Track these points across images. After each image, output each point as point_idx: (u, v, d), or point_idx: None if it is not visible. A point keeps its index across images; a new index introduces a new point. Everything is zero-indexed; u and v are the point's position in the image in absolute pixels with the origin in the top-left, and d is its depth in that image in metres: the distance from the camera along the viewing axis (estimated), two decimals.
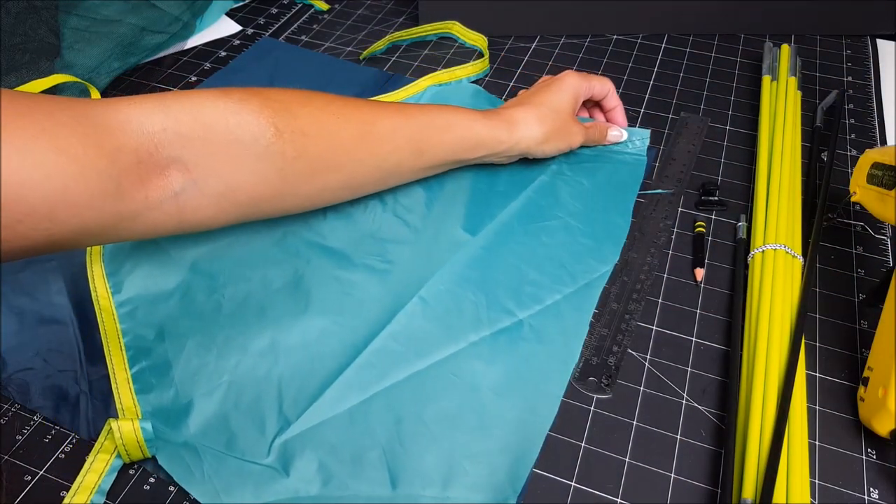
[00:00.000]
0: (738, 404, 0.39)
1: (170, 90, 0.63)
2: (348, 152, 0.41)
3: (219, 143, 0.36)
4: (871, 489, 0.36)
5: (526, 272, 0.45)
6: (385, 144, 0.43)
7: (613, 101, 0.55)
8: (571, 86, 0.51)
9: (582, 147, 0.54)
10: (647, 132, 0.55)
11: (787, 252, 0.45)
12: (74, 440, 0.38)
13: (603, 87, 0.54)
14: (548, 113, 0.49)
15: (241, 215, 0.40)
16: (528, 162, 0.53)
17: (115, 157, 0.33)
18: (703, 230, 0.49)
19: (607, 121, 0.56)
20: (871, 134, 0.58)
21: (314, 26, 0.72)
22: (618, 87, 0.63)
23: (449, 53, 0.67)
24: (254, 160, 0.38)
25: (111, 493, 0.36)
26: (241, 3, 0.75)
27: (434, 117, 0.45)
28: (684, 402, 0.40)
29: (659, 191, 0.52)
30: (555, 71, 0.64)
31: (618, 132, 0.54)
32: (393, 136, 0.43)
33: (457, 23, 0.68)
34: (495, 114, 0.48)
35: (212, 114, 0.36)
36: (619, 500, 0.36)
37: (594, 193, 0.51)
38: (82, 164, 0.31)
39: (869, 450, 0.38)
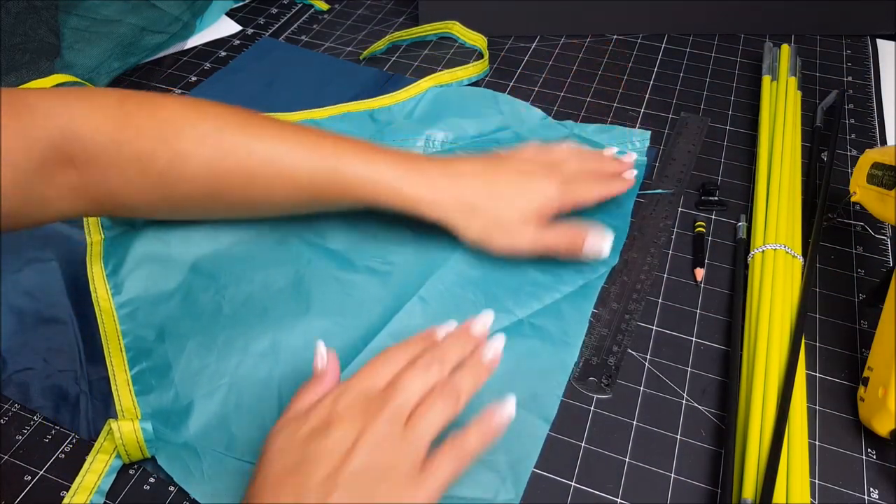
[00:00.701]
0: (738, 404, 0.39)
1: (170, 90, 0.63)
2: (233, 184, 0.40)
3: (105, 152, 0.38)
4: (871, 489, 0.36)
5: (525, 272, 0.45)
6: (279, 188, 0.40)
7: (612, 195, 0.46)
8: (544, 200, 0.42)
9: (571, 142, 0.50)
10: (647, 133, 0.55)
11: (787, 252, 0.45)
12: (74, 440, 0.38)
13: (588, 196, 0.44)
14: (494, 215, 0.41)
15: (137, 216, 0.43)
16: None
17: (30, 148, 0.35)
18: (703, 230, 0.49)
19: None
20: (871, 134, 0.58)
21: (314, 26, 0.72)
22: (617, 87, 0.63)
23: (449, 54, 0.67)
24: (135, 174, 0.39)
25: (111, 493, 0.36)
26: (241, 3, 0.75)
27: (342, 168, 0.40)
28: (684, 402, 0.40)
29: (659, 191, 0.52)
30: (555, 71, 0.64)
31: (597, 242, 0.42)
32: (288, 182, 0.40)
33: (457, 23, 0.68)
34: (431, 181, 0.41)
35: (102, 122, 0.38)
36: (619, 500, 0.36)
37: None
38: (2, 156, 0.34)
39: (869, 450, 0.38)
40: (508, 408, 0.32)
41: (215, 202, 0.42)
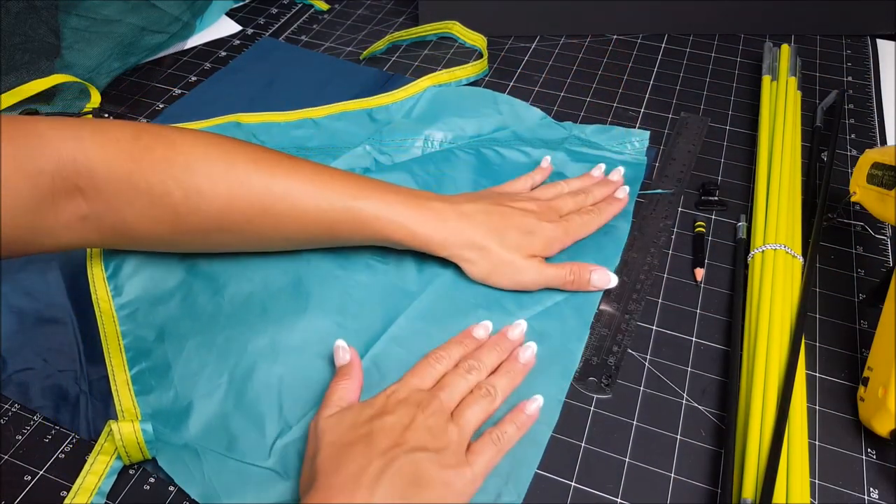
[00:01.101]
0: (738, 404, 0.39)
1: (170, 90, 0.63)
2: (248, 219, 0.40)
3: (117, 185, 0.38)
4: (871, 489, 0.36)
5: None
6: (292, 223, 0.41)
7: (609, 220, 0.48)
8: (545, 241, 0.44)
9: (585, 150, 0.53)
10: (646, 133, 0.55)
11: (787, 252, 0.45)
12: (74, 440, 0.38)
13: (588, 232, 0.47)
14: (498, 248, 0.43)
15: (145, 248, 0.43)
16: (528, 163, 0.53)
17: (36, 179, 0.35)
18: (703, 230, 0.49)
19: None
20: (871, 134, 0.58)
21: (314, 26, 0.72)
22: (617, 87, 0.63)
23: (449, 53, 0.67)
24: (147, 207, 0.39)
25: (111, 493, 0.36)
26: (241, 3, 0.75)
27: (357, 208, 0.41)
28: (684, 402, 0.40)
29: (659, 191, 0.52)
30: (555, 71, 0.64)
31: (602, 278, 0.44)
32: (302, 218, 0.41)
33: (457, 23, 0.68)
34: (443, 221, 0.43)
35: (116, 155, 0.38)
36: (619, 500, 0.36)
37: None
38: (7, 184, 0.34)
39: (869, 450, 0.38)
40: (538, 401, 0.38)
41: (227, 237, 0.41)
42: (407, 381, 0.37)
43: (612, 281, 0.45)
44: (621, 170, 0.51)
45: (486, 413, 0.36)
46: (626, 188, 0.50)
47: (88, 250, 0.46)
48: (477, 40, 0.67)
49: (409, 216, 0.42)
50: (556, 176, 0.52)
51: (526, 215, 0.44)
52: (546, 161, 0.52)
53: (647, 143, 0.55)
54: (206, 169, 0.39)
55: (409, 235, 0.42)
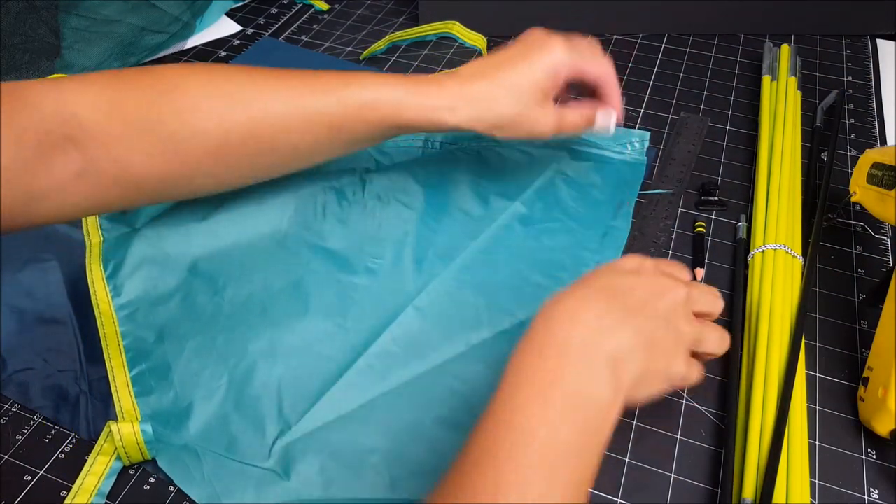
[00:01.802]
0: (738, 404, 0.39)
1: None
2: (251, 133, 0.39)
3: (108, 123, 0.36)
4: (871, 489, 0.36)
5: (527, 275, 0.45)
6: (293, 128, 0.39)
7: (611, 91, 0.45)
8: (552, 63, 0.41)
9: (585, 149, 0.53)
10: (646, 134, 0.55)
11: (787, 252, 0.45)
12: (74, 440, 0.38)
13: (599, 68, 0.44)
14: (509, 94, 0.41)
15: (151, 197, 0.41)
16: (528, 163, 0.53)
17: (20, 136, 0.34)
18: (703, 230, 0.49)
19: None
20: (871, 134, 0.58)
21: (314, 26, 0.72)
22: None
23: (449, 53, 0.67)
24: (145, 140, 0.37)
25: (111, 493, 0.36)
26: (241, 3, 0.75)
27: (354, 93, 0.39)
28: (684, 402, 0.40)
29: (659, 191, 0.52)
30: None
31: (606, 120, 0.44)
32: (303, 118, 0.39)
33: (457, 23, 0.68)
34: (440, 86, 0.40)
35: (101, 93, 0.36)
36: (619, 500, 0.36)
37: (594, 195, 0.51)
38: None
39: (869, 450, 0.38)
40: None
41: (234, 159, 0.39)
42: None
43: (612, 124, 0.44)
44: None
45: (719, 350, 0.36)
46: (612, 132, 0.46)
47: (88, 249, 0.46)
48: (477, 40, 0.67)
49: (409, 91, 0.40)
50: (557, 175, 0.52)
51: (525, 43, 0.42)
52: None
53: (647, 144, 0.55)
54: (196, 88, 0.38)
55: (419, 110, 0.40)
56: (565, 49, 0.42)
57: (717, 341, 0.36)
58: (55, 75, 0.58)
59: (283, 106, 0.39)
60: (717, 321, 0.44)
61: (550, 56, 0.41)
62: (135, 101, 0.37)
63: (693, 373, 0.35)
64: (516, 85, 0.41)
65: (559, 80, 0.42)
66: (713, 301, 0.37)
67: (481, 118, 0.41)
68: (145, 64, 0.66)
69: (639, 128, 0.58)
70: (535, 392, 0.29)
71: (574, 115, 0.43)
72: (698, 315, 0.35)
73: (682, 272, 0.37)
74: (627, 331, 0.30)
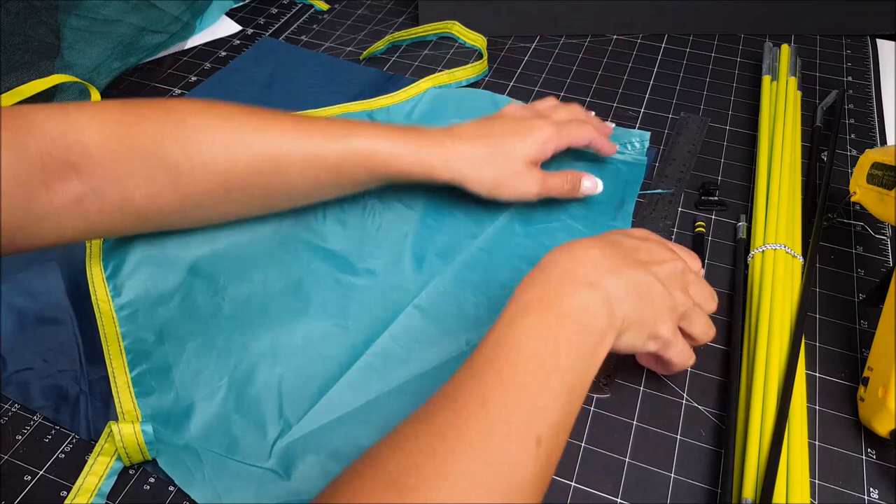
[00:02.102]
0: (738, 404, 0.39)
1: (170, 90, 0.63)
2: (255, 172, 0.40)
3: (114, 153, 0.37)
4: (871, 489, 0.36)
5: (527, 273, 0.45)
6: (298, 170, 0.41)
7: (603, 147, 0.50)
8: (542, 139, 0.45)
9: (585, 149, 0.53)
10: (646, 134, 0.55)
11: (787, 252, 0.45)
12: (74, 440, 0.38)
13: (584, 137, 0.48)
14: (499, 161, 0.44)
15: (148, 225, 0.42)
16: None
17: (22, 160, 0.34)
18: (703, 230, 0.49)
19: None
20: (871, 134, 0.58)
21: (314, 26, 0.72)
22: (617, 87, 0.63)
23: (449, 54, 0.67)
24: (148, 171, 0.38)
25: (111, 493, 0.36)
26: (241, 3, 0.75)
27: (362, 144, 0.42)
28: (684, 402, 0.40)
29: (659, 191, 0.52)
30: (555, 71, 0.64)
31: (591, 183, 0.48)
32: (308, 163, 0.41)
33: (457, 23, 0.68)
34: (438, 144, 0.44)
35: (108, 123, 0.37)
36: (619, 500, 0.36)
37: (594, 195, 0.51)
38: None
39: (869, 450, 0.38)
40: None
41: (234, 195, 0.41)
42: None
43: (598, 187, 0.48)
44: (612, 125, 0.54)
45: (702, 332, 0.37)
46: (617, 146, 0.53)
47: (88, 249, 0.46)
48: (477, 40, 0.67)
49: (408, 144, 0.43)
50: None
51: (516, 120, 0.46)
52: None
53: (647, 144, 0.55)
54: (202, 124, 0.39)
55: (413, 163, 0.43)
56: (553, 129, 0.46)
57: (703, 326, 0.37)
58: (55, 76, 0.58)
59: (286, 148, 0.40)
60: (716, 321, 0.44)
61: (541, 133, 0.46)
62: (142, 135, 0.38)
63: (678, 345, 0.36)
64: (507, 154, 0.45)
65: (547, 154, 0.46)
66: (709, 294, 0.39)
67: (471, 177, 0.44)
68: (145, 64, 0.66)
69: (639, 128, 0.58)
70: (532, 312, 0.31)
71: (557, 181, 0.47)
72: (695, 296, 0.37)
73: (693, 259, 0.40)
74: (623, 276, 0.33)
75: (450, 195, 0.50)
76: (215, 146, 0.39)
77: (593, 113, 0.54)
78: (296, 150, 0.41)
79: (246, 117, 0.40)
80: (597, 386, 0.40)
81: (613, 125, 0.56)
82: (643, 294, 0.33)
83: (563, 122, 0.48)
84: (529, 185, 0.45)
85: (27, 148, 0.35)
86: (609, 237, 0.36)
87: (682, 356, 0.36)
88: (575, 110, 0.50)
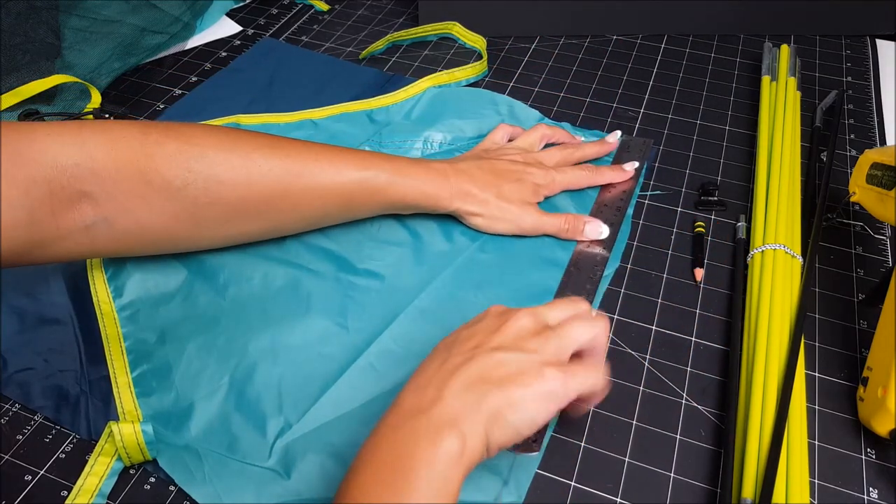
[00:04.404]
0: (737, 404, 0.39)
1: (170, 90, 0.63)
2: (268, 202, 0.41)
3: (130, 184, 0.37)
4: (871, 489, 0.36)
5: (528, 274, 0.45)
6: (310, 200, 0.42)
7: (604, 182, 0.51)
8: (534, 186, 0.48)
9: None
10: (649, 141, 0.55)
11: (787, 252, 0.45)
12: (75, 440, 0.38)
13: (574, 184, 0.50)
14: (498, 198, 0.46)
15: (156, 250, 0.43)
16: None
17: (29, 189, 0.34)
18: (703, 230, 0.49)
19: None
20: (870, 134, 0.58)
21: (314, 27, 0.72)
22: (617, 87, 0.63)
23: (449, 54, 0.67)
24: (164, 203, 0.38)
25: (111, 493, 0.36)
26: (242, 4, 0.75)
27: (371, 177, 0.43)
28: (684, 401, 0.40)
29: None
30: (555, 72, 0.65)
31: (594, 228, 0.47)
32: (320, 193, 0.42)
33: (457, 24, 0.68)
34: (442, 176, 0.45)
35: (126, 154, 0.37)
36: (619, 500, 0.36)
37: (594, 195, 0.51)
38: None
39: (868, 450, 0.38)
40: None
41: (248, 225, 0.42)
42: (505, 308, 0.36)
43: (604, 232, 0.47)
44: (618, 133, 0.55)
45: (589, 331, 0.33)
46: (635, 164, 0.52)
47: None
48: (477, 42, 0.67)
49: (418, 178, 0.45)
50: None
51: (514, 164, 0.48)
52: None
53: (650, 152, 0.55)
54: (223, 157, 0.39)
55: (420, 196, 0.45)
56: (548, 178, 0.48)
57: (582, 327, 0.33)
58: (55, 76, 0.58)
59: (305, 181, 0.41)
60: (717, 321, 0.44)
61: (536, 179, 0.48)
62: (163, 168, 0.37)
63: (577, 381, 0.31)
64: (505, 194, 0.47)
65: (539, 198, 0.48)
66: (569, 307, 0.35)
67: (472, 212, 0.46)
68: (146, 65, 0.66)
69: (638, 127, 0.58)
70: (368, 466, 0.29)
71: (554, 221, 0.47)
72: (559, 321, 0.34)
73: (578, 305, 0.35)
74: (454, 382, 0.30)
75: None
76: (236, 183, 0.39)
77: (581, 138, 0.55)
78: (312, 185, 0.41)
79: (268, 150, 0.40)
80: (527, 443, 0.36)
81: (619, 133, 0.55)
82: (489, 380, 0.30)
83: (557, 167, 0.50)
84: (524, 221, 0.47)
85: (32, 177, 0.34)
86: (445, 342, 0.33)
87: (587, 383, 0.32)
88: (566, 152, 0.51)
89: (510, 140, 0.53)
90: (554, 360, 0.31)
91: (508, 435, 0.30)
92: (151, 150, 0.37)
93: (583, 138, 0.55)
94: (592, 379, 0.32)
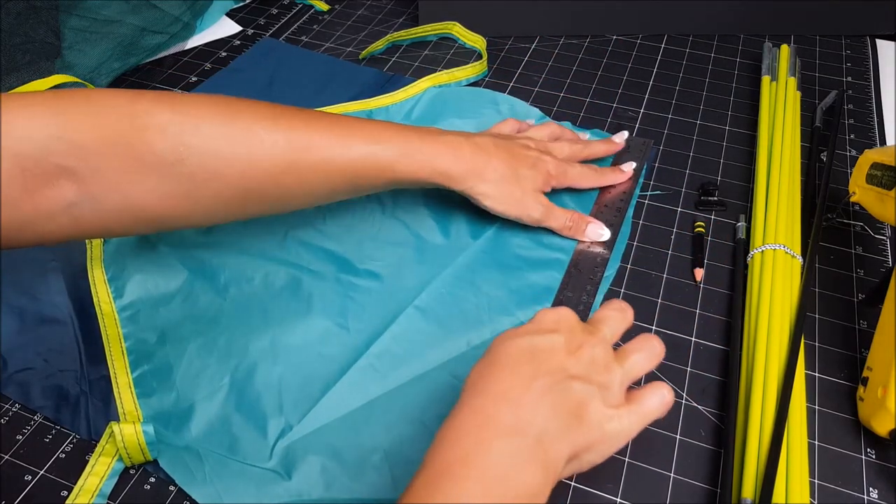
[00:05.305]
0: (737, 404, 0.39)
1: (170, 91, 0.63)
2: (271, 179, 0.38)
3: (118, 159, 0.33)
4: (871, 489, 0.36)
5: (528, 275, 0.45)
6: (316, 176, 0.39)
7: (614, 176, 0.51)
8: (546, 174, 0.46)
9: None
10: (649, 141, 0.56)
11: (787, 252, 0.45)
12: (75, 440, 0.38)
13: (582, 184, 0.49)
14: (512, 179, 0.45)
15: (151, 229, 0.39)
16: None
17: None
18: (703, 230, 0.49)
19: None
20: (870, 134, 0.58)
21: (314, 27, 0.72)
22: (617, 87, 0.63)
23: (449, 54, 0.67)
24: (157, 179, 0.35)
25: (111, 493, 0.36)
26: (242, 4, 0.75)
27: (379, 151, 0.40)
28: (684, 401, 0.40)
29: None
30: (555, 72, 0.65)
31: (596, 230, 0.47)
32: (326, 169, 0.39)
33: (457, 24, 0.68)
34: (456, 152, 0.43)
35: (112, 125, 0.33)
36: (619, 500, 0.36)
37: (594, 196, 0.51)
38: None
39: (868, 450, 0.38)
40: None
41: (250, 202, 0.39)
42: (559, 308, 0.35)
43: (605, 235, 0.47)
44: (625, 134, 0.54)
45: (651, 365, 0.33)
46: (633, 164, 0.52)
47: (88, 251, 0.46)
48: (476, 42, 0.67)
49: (428, 153, 0.42)
50: None
51: (528, 150, 0.47)
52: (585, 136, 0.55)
53: (651, 152, 0.55)
54: (221, 130, 0.36)
55: (431, 172, 0.42)
56: (558, 169, 0.47)
57: (644, 360, 0.33)
58: (55, 76, 0.58)
59: (311, 156, 0.38)
60: (717, 321, 0.44)
61: (548, 168, 0.47)
62: (155, 141, 0.34)
63: (649, 417, 0.31)
64: (519, 177, 0.45)
65: (547, 188, 0.47)
66: (621, 318, 0.35)
67: (484, 192, 0.44)
68: (145, 65, 0.66)
69: (638, 127, 0.58)
70: (455, 478, 0.27)
71: (561, 215, 0.47)
72: (623, 349, 0.33)
73: (619, 314, 0.35)
74: (545, 407, 0.29)
75: (450, 195, 0.50)
76: (236, 157, 0.36)
77: (588, 135, 0.54)
78: (315, 160, 0.39)
79: (270, 122, 0.37)
80: None
81: (626, 134, 0.55)
82: (571, 413, 0.29)
83: (567, 162, 0.49)
84: (533, 209, 0.46)
85: (8, 153, 0.31)
86: (521, 345, 0.31)
87: (658, 414, 0.32)
88: (576, 148, 0.50)
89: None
90: (622, 393, 0.31)
91: (574, 470, 0.30)
92: (141, 120, 0.34)
93: (589, 135, 0.55)
94: (660, 409, 0.32)
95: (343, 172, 0.40)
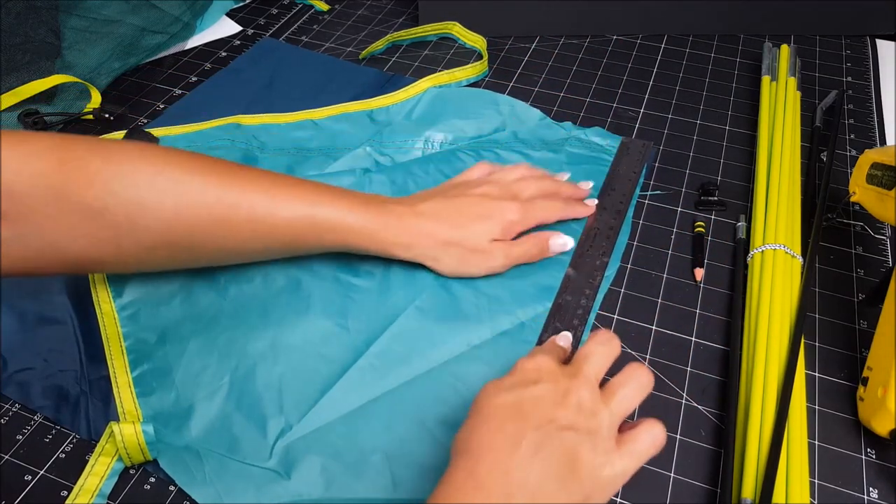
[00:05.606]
0: (737, 404, 0.39)
1: (170, 91, 0.63)
2: (198, 233, 0.37)
3: (44, 204, 0.34)
4: (871, 489, 0.36)
5: (528, 275, 0.45)
6: (246, 234, 0.39)
7: (577, 213, 0.48)
8: (506, 222, 0.44)
9: (585, 152, 0.51)
10: (649, 143, 0.55)
11: (787, 252, 0.45)
12: (75, 440, 0.38)
13: (549, 217, 0.47)
14: (463, 240, 0.43)
15: (79, 271, 0.39)
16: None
17: None
18: (703, 230, 0.49)
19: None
20: (870, 134, 0.58)
21: (314, 27, 0.72)
22: (617, 88, 0.63)
23: (449, 54, 0.67)
24: (83, 226, 0.35)
25: (111, 493, 0.36)
26: (242, 4, 0.75)
27: (317, 213, 0.40)
28: (684, 401, 0.40)
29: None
30: (555, 72, 0.65)
31: (562, 241, 0.46)
32: (257, 228, 0.39)
33: (457, 24, 0.68)
34: (399, 220, 0.42)
35: (41, 171, 0.34)
36: (619, 500, 0.36)
37: (593, 195, 0.51)
38: None
39: (869, 450, 0.38)
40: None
41: (176, 252, 0.38)
42: (546, 349, 0.34)
43: (568, 243, 0.46)
44: (590, 183, 0.50)
45: (640, 398, 0.32)
46: (596, 200, 0.49)
47: None
48: (477, 42, 0.67)
49: (369, 221, 0.41)
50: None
51: (483, 200, 0.44)
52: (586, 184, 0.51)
53: (650, 153, 0.55)
54: (149, 180, 0.36)
55: (371, 241, 0.41)
56: (521, 212, 0.44)
57: (632, 394, 0.32)
58: (55, 76, 0.58)
59: (241, 213, 0.38)
60: (717, 321, 0.44)
61: (507, 216, 0.44)
62: (82, 188, 0.34)
63: (643, 459, 0.31)
64: (472, 235, 0.43)
65: (512, 234, 0.45)
66: (606, 352, 0.33)
67: (433, 258, 0.43)
68: (145, 65, 0.66)
69: (638, 127, 0.58)
70: None
71: (522, 250, 0.45)
72: (609, 385, 0.32)
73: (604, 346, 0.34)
74: (537, 465, 0.28)
75: None
76: (161, 208, 0.36)
77: (567, 175, 0.50)
78: (246, 217, 0.38)
79: (200, 176, 0.37)
80: None
81: (591, 184, 0.51)
82: (569, 464, 0.29)
83: (531, 200, 0.46)
84: (494, 261, 0.44)
85: None
86: (509, 399, 0.30)
87: (651, 453, 0.31)
88: (544, 184, 0.47)
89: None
90: (612, 436, 0.30)
91: None
92: (70, 167, 0.34)
93: (568, 176, 0.50)
94: (653, 449, 0.31)
95: (276, 234, 0.39)
